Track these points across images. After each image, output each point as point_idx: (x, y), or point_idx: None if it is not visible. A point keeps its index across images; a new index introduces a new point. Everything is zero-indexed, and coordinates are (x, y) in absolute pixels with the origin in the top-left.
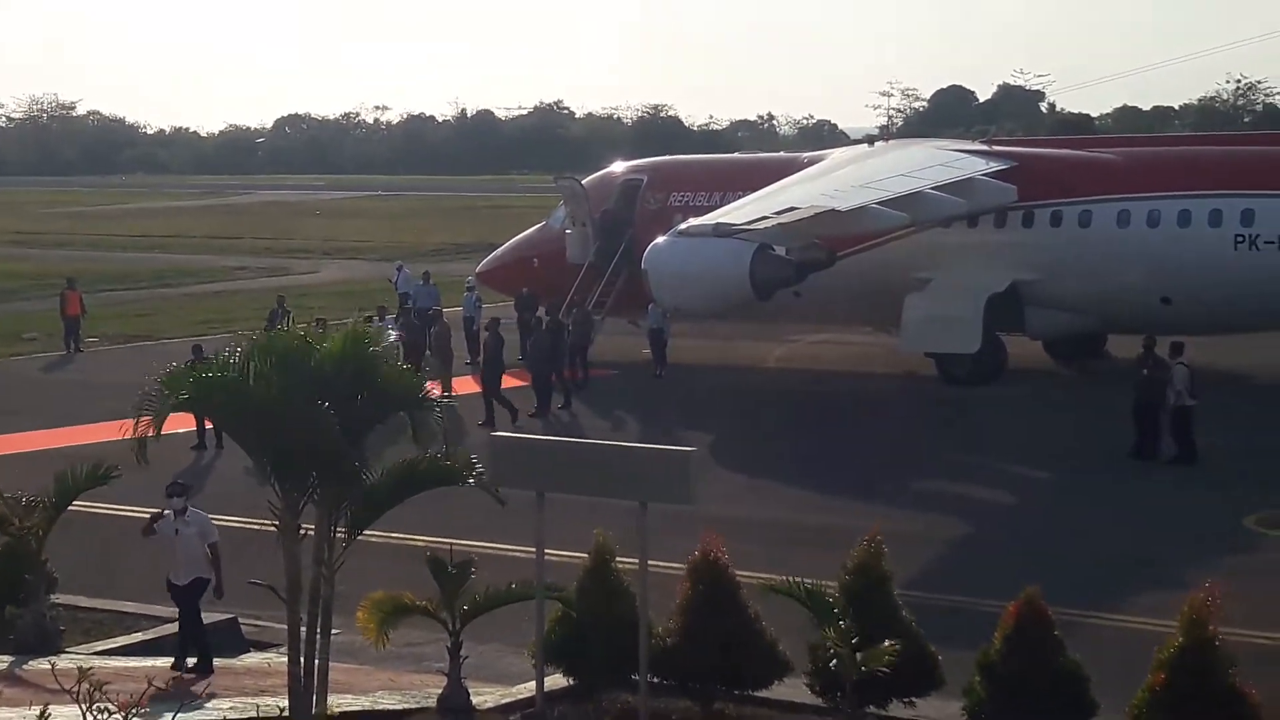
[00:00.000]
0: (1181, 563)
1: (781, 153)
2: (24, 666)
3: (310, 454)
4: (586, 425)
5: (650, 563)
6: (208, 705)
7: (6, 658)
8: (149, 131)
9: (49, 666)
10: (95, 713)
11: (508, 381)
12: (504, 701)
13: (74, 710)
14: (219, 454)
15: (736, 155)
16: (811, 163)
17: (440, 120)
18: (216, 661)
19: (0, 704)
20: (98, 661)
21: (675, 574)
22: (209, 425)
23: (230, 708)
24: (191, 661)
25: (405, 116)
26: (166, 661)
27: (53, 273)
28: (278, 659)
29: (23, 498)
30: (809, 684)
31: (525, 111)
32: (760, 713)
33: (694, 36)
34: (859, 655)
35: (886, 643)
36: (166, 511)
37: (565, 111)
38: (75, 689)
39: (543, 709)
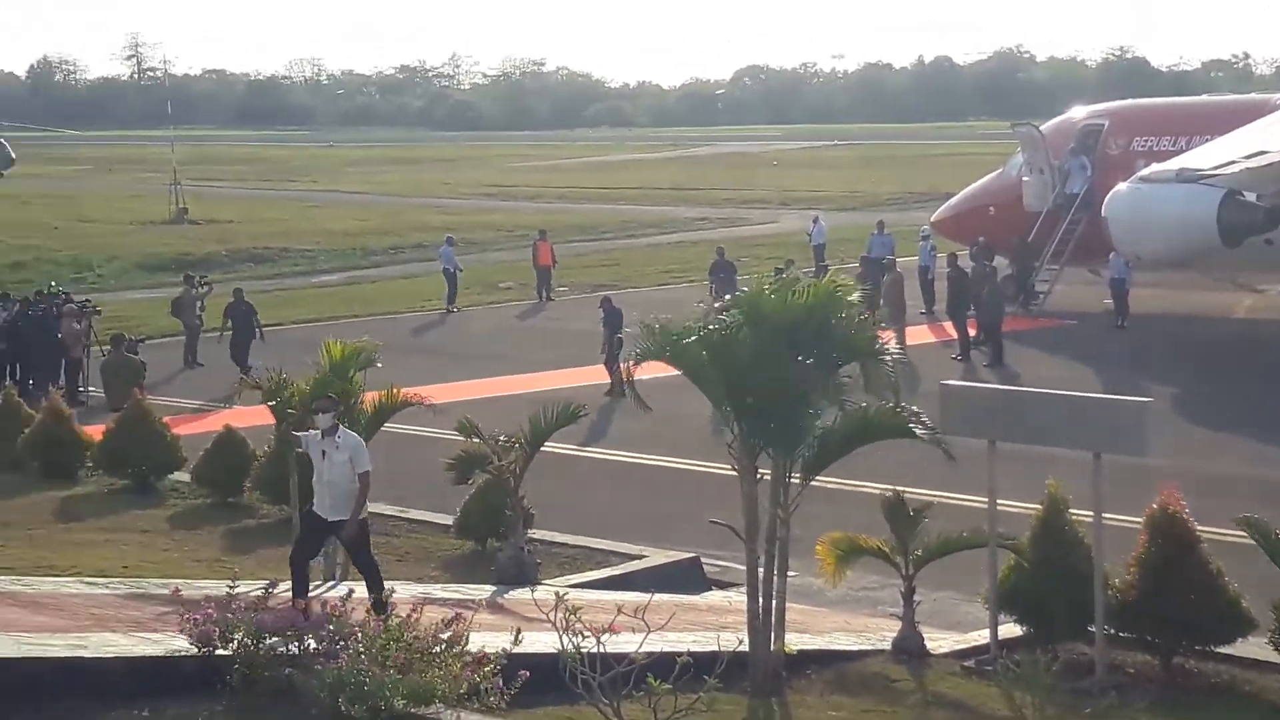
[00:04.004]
0: None
1: (1252, 94)
2: (505, 596)
3: (772, 403)
4: (1044, 375)
5: (1105, 515)
6: (672, 637)
7: (489, 587)
8: (614, 86)
9: (528, 595)
10: (570, 636)
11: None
12: (958, 648)
13: (551, 635)
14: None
15: (1203, 98)
16: None
17: (898, 68)
18: (681, 598)
19: (484, 629)
20: (571, 593)
21: (1130, 528)
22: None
23: (693, 641)
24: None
25: (863, 65)
26: (636, 596)
27: (525, 224)
28: (737, 597)
29: (501, 437)
30: (1273, 642)
31: (985, 57)
32: (1222, 669)
33: None
34: None
35: None
36: (312, 431)
37: (1026, 55)
38: (551, 615)
39: (996, 655)
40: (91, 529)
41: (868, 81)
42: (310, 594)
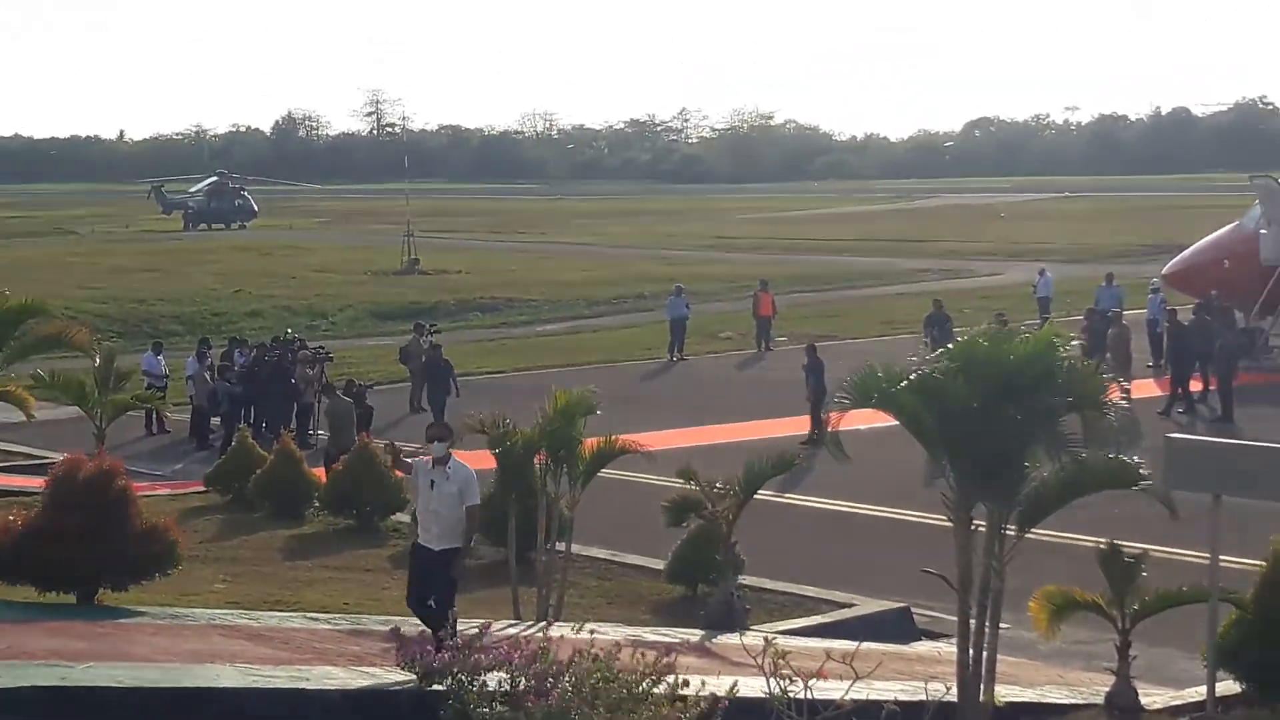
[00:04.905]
0: None
1: None
2: (713, 640)
3: (989, 453)
4: (1273, 430)
5: None
6: (879, 685)
7: (698, 631)
8: (842, 139)
9: (737, 640)
10: (778, 680)
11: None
12: (1174, 704)
13: (759, 680)
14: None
15: None
16: None
17: (1133, 119)
18: (890, 647)
19: (692, 672)
20: (780, 638)
21: None
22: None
23: (900, 689)
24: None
25: (1096, 116)
26: (844, 644)
27: (747, 275)
28: (947, 648)
29: (715, 484)
30: None
31: (1224, 108)
32: None
33: None
34: None
35: None
36: (423, 457)
37: (1268, 107)
38: (759, 660)
39: (1214, 713)
40: (316, 567)
41: (1101, 133)
42: (517, 631)
